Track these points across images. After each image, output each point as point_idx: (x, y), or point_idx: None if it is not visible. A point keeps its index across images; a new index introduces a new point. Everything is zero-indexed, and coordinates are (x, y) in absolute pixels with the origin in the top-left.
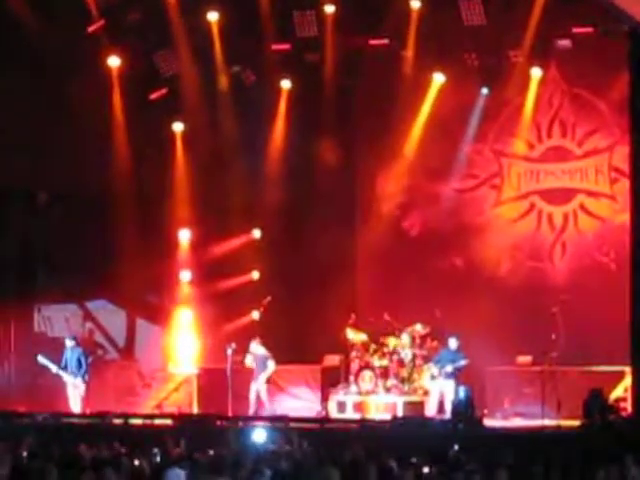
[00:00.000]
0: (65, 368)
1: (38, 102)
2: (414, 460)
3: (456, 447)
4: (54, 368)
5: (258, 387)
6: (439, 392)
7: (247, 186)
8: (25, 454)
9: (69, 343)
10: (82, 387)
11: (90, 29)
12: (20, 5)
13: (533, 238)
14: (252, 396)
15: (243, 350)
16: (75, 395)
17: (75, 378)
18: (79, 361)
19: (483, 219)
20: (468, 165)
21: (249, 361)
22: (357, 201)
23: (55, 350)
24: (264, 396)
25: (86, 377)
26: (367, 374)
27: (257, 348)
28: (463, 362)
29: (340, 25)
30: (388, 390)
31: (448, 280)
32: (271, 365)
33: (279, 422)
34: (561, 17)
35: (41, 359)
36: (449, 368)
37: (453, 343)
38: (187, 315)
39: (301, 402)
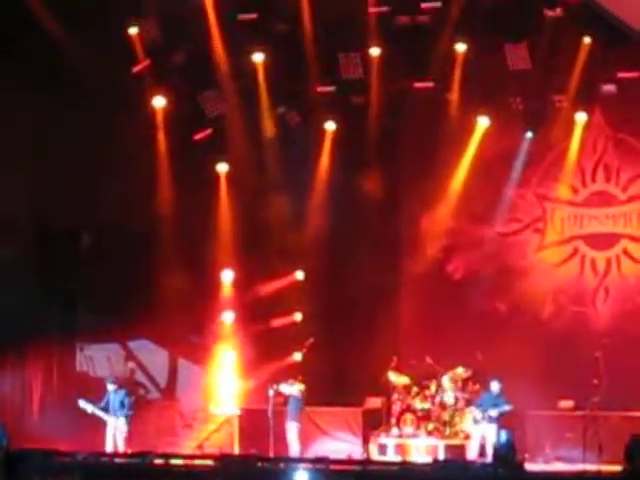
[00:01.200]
0: (107, 409)
1: (85, 141)
2: None
3: None
4: (95, 410)
5: (291, 427)
6: (480, 436)
7: (290, 227)
8: None
9: (111, 387)
10: (125, 428)
11: (135, 69)
12: (69, 42)
13: (576, 282)
14: (289, 437)
15: None
16: (115, 436)
17: (117, 419)
18: (122, 402)
19: (526, 263)
20: (512, 209)
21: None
22: (401, 243)
23: (97, 390)
24: (295, 436)
25: (129, 418)
26: (409, 417)
27: (291, 389)
28: (507, 407)
29: (385, 67)
30: (429, 433)
31: (491, 323)
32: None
33: (320, 464)
34: (606, 62)
35: (82, 403)
36: (493, 412)
37: (495, 387)
38: (229, 355)
39: (342, 444)
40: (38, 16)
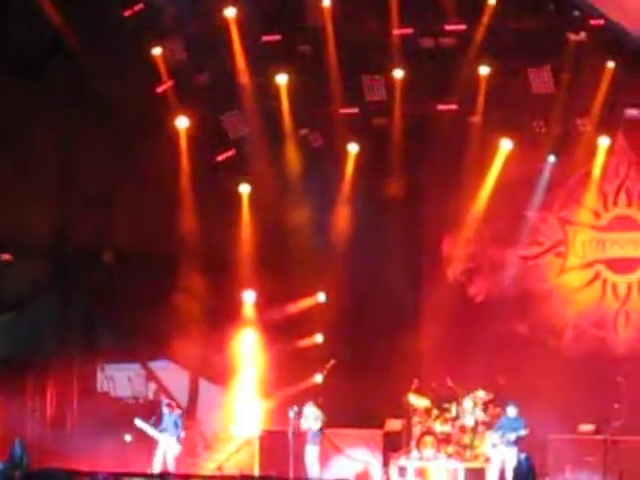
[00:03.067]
0: (161, 429)
1: (107, 162)
2: None
3: None
4: (150, 430)
5: (311, 449)
6: (500, 459)
7: (313, 249)
8: None
9: (166, 409)
10: (177, 448)
11: (159, 90)
12: (94, 64)
13: (597, 307)
14: (308, 459)
15: None
16: (165, 455)
17: (170, 439)
18: (176, 423)
19: (548, 287)
20: (534, 232)
21: (305, 424)
22: (423, 266)
23: (117, 410)
24: (315, 458)
25: (181, 438)
26: (429, 440)
27: (311, 411)
28: (523, 432)
29: (409, 89)
30: (450, 456)
31: (512, 347)
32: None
33: None
34: (629, 86)
35: (139, 422)
36: (511, 436)
37: (512, 411)
38: (250, 376)
39: (361, 464)
40: (64, 39)
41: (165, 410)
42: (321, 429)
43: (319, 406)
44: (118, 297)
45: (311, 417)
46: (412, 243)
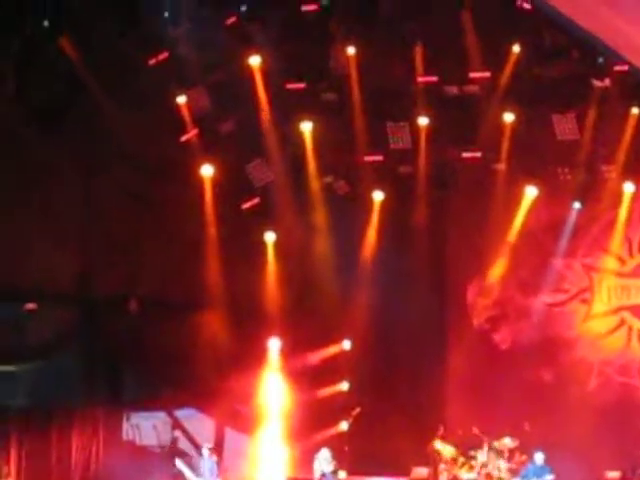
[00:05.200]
0: (199, 475)
1: (132, 209)
2: None
3: None
4: (189, 473)
5: None
6: None
7: (338, 296)
8: None
9: (206, 453)
10: None
11: (184, 138)
12: (116, 110)
13: (623, 353)
14: None
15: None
16: None
17: None
18: (212, 469)
19: (573, 333)
20: (559, 279)
21: (317, 468)
22: (448, 313)
23: (142, 458)
24: None
25: None
26: None
27: (324, 454)
28: (549, 477)
29: (433, 137)
30: None
31: (537, 394)
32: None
33: None
34: None
35: (179, 464)
36: None
37: (539, 458)
38: (275, 424)
39: None
40: (87, 88)
41: (205, 454)
42: (334, 472)
43: (337, 453)
44: (143, 345)
45: (322, 459)
46: (437, 290)
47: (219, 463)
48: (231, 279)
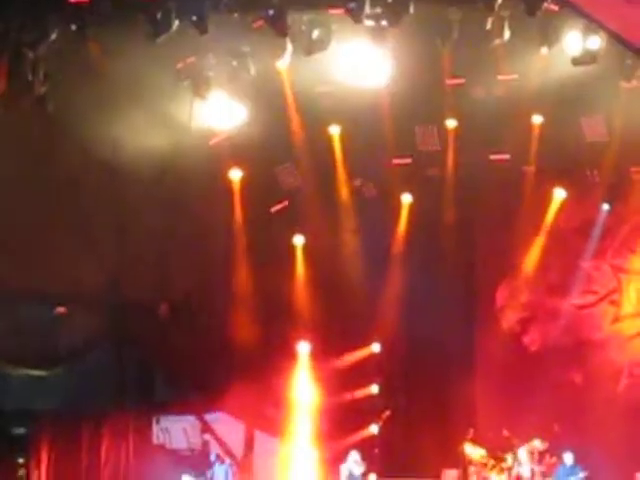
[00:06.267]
0: None
1: (161, 213)
2: None
3: None
4: None
5: None
6: None
7: (367, 299)
8: None
9: (215, 461)
10: None
11: (213, 142)
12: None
13: None
14: None
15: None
16: None
17: None
18: (227, 474)
19: (602, 335)
20: (587, 281)
21: (344, 470)
22: (477, 315)
23: (173, 462)
24: None
25: None
26: None
27: (354, 456)
28: (582, 475)
29: (461, 139)
30: None
31: (567, 395)
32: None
33: None
34: None
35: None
36: None
37: (569, 459)
38: (305, 427)
39: None
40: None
41: (214, 461)
42: (364, 474)
43: (367, 456)
44: (173, 349)
45: (352, 461)
46: (466, 292)
47: (233, 465)
48: (260, 282)
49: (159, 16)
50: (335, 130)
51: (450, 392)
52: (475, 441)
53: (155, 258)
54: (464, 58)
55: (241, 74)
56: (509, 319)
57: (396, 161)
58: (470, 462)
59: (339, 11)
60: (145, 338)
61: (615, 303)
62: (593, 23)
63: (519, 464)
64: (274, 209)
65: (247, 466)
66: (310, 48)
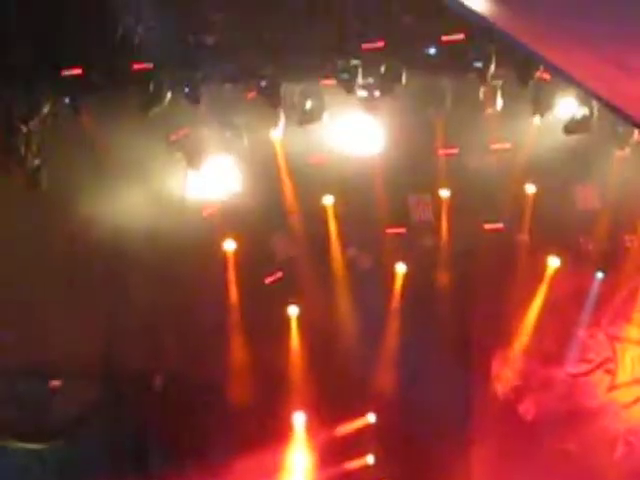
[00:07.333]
0: None
1: (154, 285)
2: None
3: None
4: None
5: None
6: None
7: (362, 369)
8: None
9: None
10: None
11: (206, 213)
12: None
13: None
14: None
15: None
16: None
17: None
18: None
19: (597, 403)
20: (582, 349)
21: None
22: (472, 385)
23: None
24: None
25: None
26: None
27: None
28: None
29: (455, 209)
30: None
31: (562, 464)
32: None
33: None
34: None
35: None
36: None
37: None
38: None
39: None
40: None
41: None
42: None
43: None
44: (168, 421)
45: None
46: (462, 361)
47: None
48: (255, 354)
49: (151, 88)
50: (329, 200)
51: (446, 461)
52: None
53: (148, 330)
54: (457, 127)
55: (235, 145)
56: (504, 388)
57: (390, 231)
58: None
59: (332, 82)
60: (139, 410)
61: (610, 372)
62: (585, 92)
63: None
64: (269, 280)
65: None
66: (303, 119)
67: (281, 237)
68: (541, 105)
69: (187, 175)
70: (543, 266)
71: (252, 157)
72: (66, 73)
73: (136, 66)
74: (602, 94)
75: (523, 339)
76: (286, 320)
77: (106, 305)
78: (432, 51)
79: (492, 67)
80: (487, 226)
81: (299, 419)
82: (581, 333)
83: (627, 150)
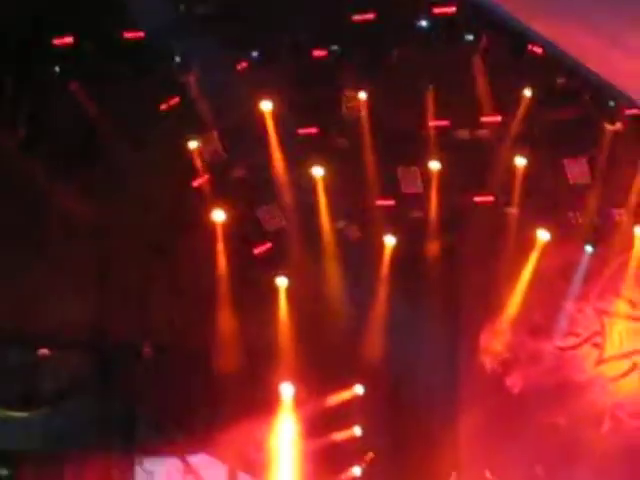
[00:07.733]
0: None
1: (143, 255)
2: None
3: None
4: None
5: None
6: None
7: (350, 341)
8: None
9: None
10: None
11: (195, 184)
12: (127, 157)
13: (635, 398)
14: None
15: None
16: None
17: None
18: None
19: (585, 377)
20: (571, 323)
21: None
22: (460, 357)
23: None
24: None
25: None
26: None
27: None
28: None
29: (445, 181)
30: None
31: (549, 438)
32: None
33: None
34: None
35: None
36: None
37: None
38: (288, 470)
39: None
40: (99, 136)
41: None
42: None
43: None
44: (157, 391)
45: None
46: (450, 334)
47: None
48: (243, 324)
49: (142, 56)
50: (318, 172)
51: (433, 434)
52: None
53: (137, 300)
54: (448, 100)
55: (225, 115)
56: (492, 361)
57: (379, 203)
58: None
59: (323, 53)
60: (128, 380)
61: (598, 346)
62: (578, 66)
63: None
64: (257, 250)
65: None
66: None
67: (270, 208)
68: (532, 79)
69: (177, 145)
70: (532, 239)
71: (242, 128)
72: (57, 42)
73: (127, 34)
74: (595, 69)
75: (511, 311)
76: (275, 291)
77: (95, 275)
78: (424, 23)
79: (484, 39)
80: (477, 198)
81: (287, 390)
82: (569, 307)
83: (618, 124)
